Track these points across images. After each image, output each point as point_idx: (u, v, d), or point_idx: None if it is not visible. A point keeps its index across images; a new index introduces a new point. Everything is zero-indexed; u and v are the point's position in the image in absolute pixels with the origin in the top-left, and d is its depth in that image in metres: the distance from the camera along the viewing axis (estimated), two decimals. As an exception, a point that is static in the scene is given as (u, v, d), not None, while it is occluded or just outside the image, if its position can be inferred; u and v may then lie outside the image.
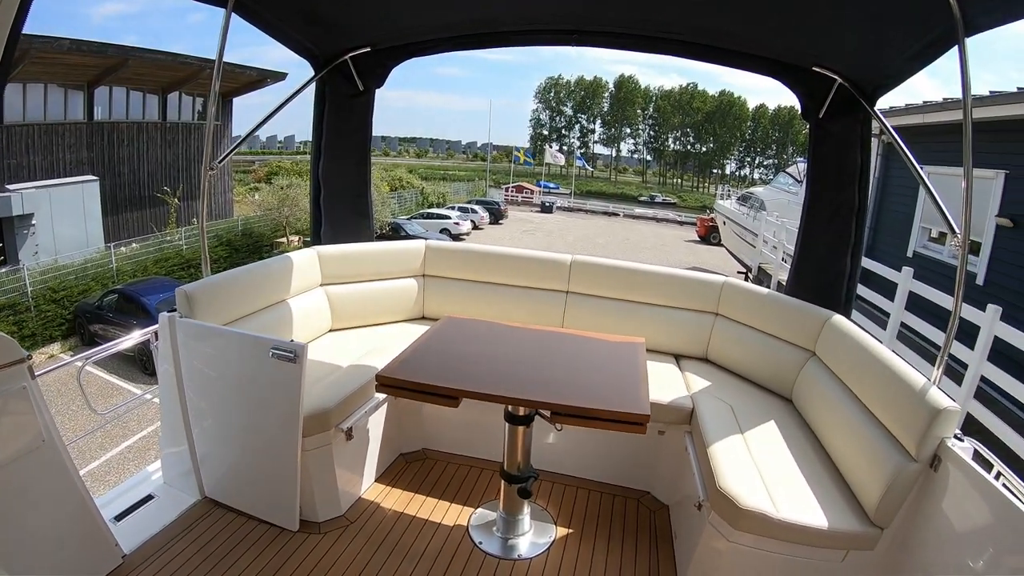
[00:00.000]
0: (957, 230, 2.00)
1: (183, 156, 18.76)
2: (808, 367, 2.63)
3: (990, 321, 4.57)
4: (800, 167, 12.21)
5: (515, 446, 2.23)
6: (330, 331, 3.11)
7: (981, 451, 1.79)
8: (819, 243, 2.85)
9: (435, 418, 2.92)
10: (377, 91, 3.27)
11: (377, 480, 2.72)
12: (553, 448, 2.78)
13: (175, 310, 2.34)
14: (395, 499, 2.59)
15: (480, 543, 2.35)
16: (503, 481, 2.31)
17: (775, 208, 11.09)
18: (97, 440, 7.89)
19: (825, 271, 2.83)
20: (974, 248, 7.07)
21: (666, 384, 2.69)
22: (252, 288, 2.66)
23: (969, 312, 4.74)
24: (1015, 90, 6.09)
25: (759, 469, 2.10)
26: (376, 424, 2.67)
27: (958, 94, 2.92)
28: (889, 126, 2.58)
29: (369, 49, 3.04)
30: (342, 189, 3.30)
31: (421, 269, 3.38)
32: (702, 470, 2.18)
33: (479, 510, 2.57)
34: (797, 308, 2.78)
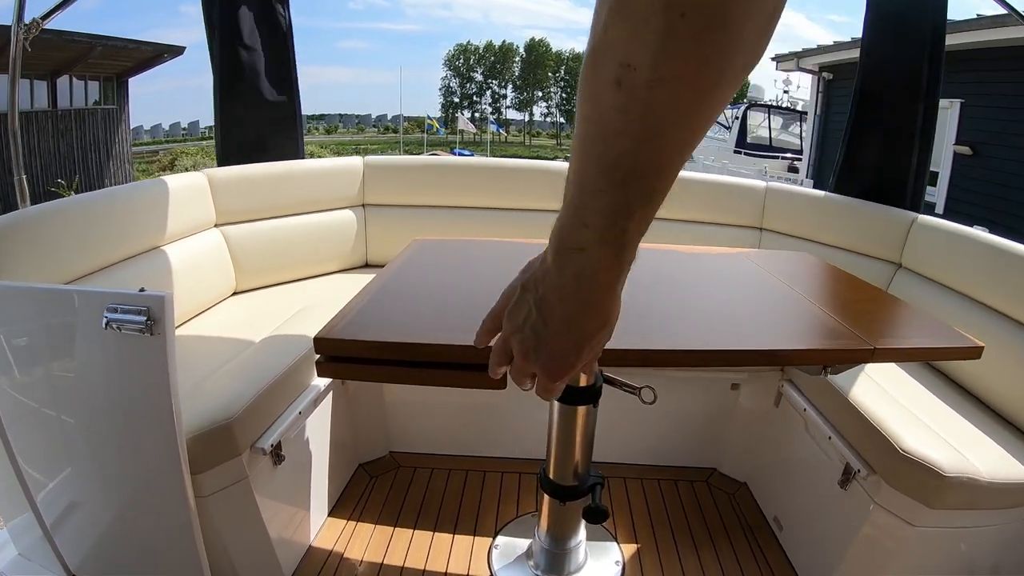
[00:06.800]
0: None
1: (78, 145, 16.15)
2: (898, 283, 1.92)
3: None
4: (727, 113, 12.03)
5: (570, 437, 1.26)
6: (234, 294, 1.97)
7: None
8: (874, 132, 2.11)
9: (404, 403, 1.90)
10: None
11: (332, 514, 1.67)
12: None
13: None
14: (364, 541, 1.57)
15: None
16: (546, 496, 1.37)
17: (707, 154, 10.83)
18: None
19: (883, 168, 2.09)
20: (930, 179, 6.97)
21: None
22: (99, 227, 1.50)
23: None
24: (974, 16, 5.90)
25: (920, 419, 1.36)
26: (319, 428, 1.61)
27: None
28: None
29: None
30: (257, 88, 2.10)
31: (360, 196, 2.26)
32: (842, 430, 1.42)
33: (501, 539, 1.61)
34: (866, 211, 2.05)
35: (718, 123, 12.30)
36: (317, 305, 1.71)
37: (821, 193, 2.25)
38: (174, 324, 0.96)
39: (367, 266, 2.29)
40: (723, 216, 2.33)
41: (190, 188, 1.83)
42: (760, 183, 2.38)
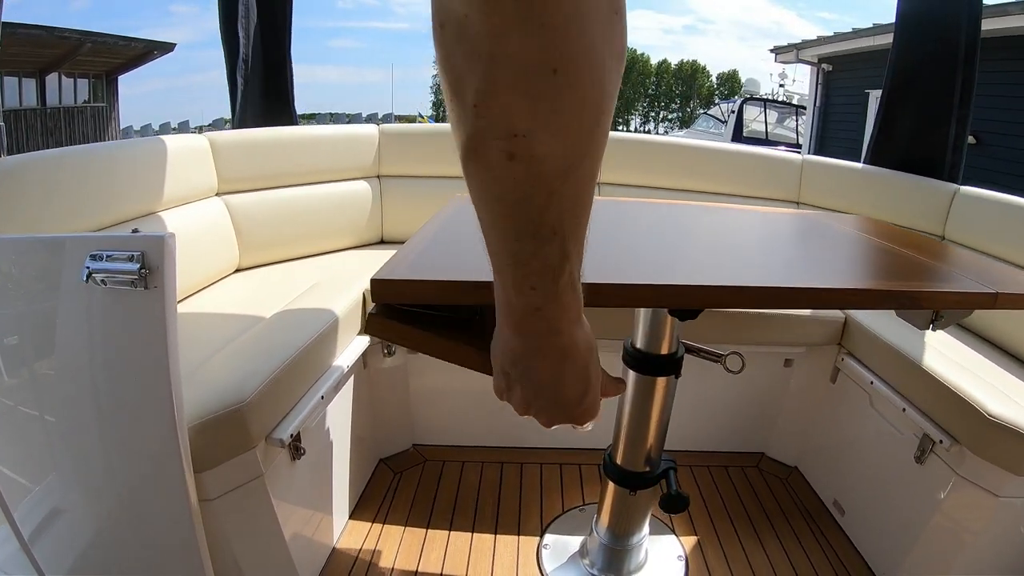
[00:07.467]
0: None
1: (67, 144, 15.79)
2: None
3: None
4: (723, 107, 11.92)
5: (645, 415, 1.06)
6: (236, 271, 1.74)
7: None
8: (911, 103, 1.99)
9: (430, 390, 1.69)
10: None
11: (353, 516, 1.46)
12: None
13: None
14: (394, 544, 1.36)
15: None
16: (611, 485, 1.17)
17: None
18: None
19: (919, 140, 1.97)
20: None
21: None
22: (85, 185, 1.29)
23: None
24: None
25: (992, 384, 1.26)
26: (339, 417, 1.39)
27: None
28: None
29: None
30: (256, 55, 1.96)
31: (375, 166, 2.05)
32: (917, 401, 1.29)
33: (550, 537, 1.40)
34: (907, 183, 1.93)
35: (714, 118, 12.21)
36: (330, 284, 1.50)
37: (859, 165, 2.12)
38: (175, 275, 0.75)
39: (383, 242, 2.08)
40: (758, 190, 2.17)
41: (190, 151, 1.61)
42: (796, 156, 2.23)
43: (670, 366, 1.01)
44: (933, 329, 1.07)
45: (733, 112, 10.62)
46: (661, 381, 1.02)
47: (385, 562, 1.32)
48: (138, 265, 0.73)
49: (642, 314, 1.00)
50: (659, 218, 1.21)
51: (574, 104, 0.31)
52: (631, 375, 1.03)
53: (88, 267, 0.75)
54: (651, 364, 1.01)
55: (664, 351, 1.00)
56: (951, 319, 1.08)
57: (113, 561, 1.06)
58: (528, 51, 0.28)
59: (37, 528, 1.11)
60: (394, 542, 1.38)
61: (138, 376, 0.83)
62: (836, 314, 1.61)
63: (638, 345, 1.01)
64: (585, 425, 0.48)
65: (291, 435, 1.08)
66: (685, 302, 0.76)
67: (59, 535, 1.11)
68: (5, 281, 0.87)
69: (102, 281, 0.76)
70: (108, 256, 0.75)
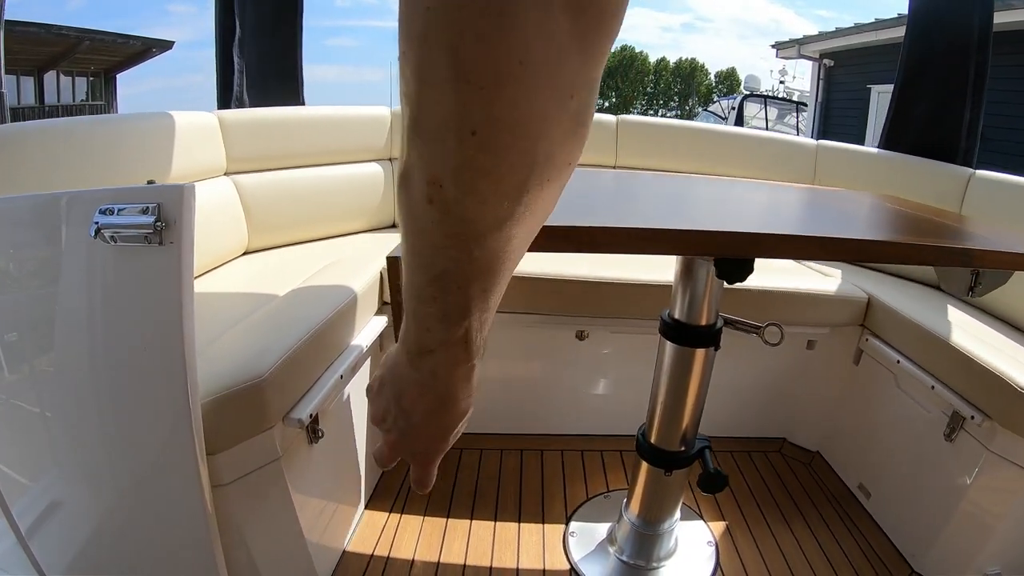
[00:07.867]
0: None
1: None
2: None
3: None
4: (723, 104, 11.94)
5: (682, 390, 1.01)
6: (245, 253, 1.68)
7: None
8: (925, 88, 1.99)
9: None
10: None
11: (369, 506, 1.39)
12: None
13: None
14: (413, 534, 1.30)
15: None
16: (645, 466, 1.12)
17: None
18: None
19: (934, 124, 1.97)
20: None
21: (791, 271, 1.64)
22: (91, 156, 1.23)
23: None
24: None
25: (1017, 359, 1.22)
26: (356, 400, 1.31)
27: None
28: None
29: None
30: (261, 34, 1.88)
31: (387, 148, 1.99)
32: (944, 378, 1.26)
33: (576, 525, 1.35)
34: (921, 167, 1.92)
35: (714, 114, 12.19)
36: (342, 265, 1.44)
37: (874, 150, 2.11)
38: (194, 230, 0.69)
39: (395, 227, 2.02)
40: (773, 174, 2.15)
41: (198, 128, 1.54)
42: (811, 140, 2.22)
43: (709, 337, 0.95)
44: (971, 296, 1.03)
45: (733, 108, 10.61)
46: (700, 353, 0.97)
47: (405, 553, 1.26)
48: (153, 218, 0.67)
49: (681, 284, 0.95)
50: (693, 187, 1.17)
51: (494, 169, 0.28)
52: (668, 348, 0.98)
53: (97, 222, 0.69)
54: (690, 335, 0.95)
55: (703, 322, 0.95)
56: (989, 285, 1.04)
57: (120, 545, 1.00)
58: (447, 105, 0.27)
59: (37, 519, 1.05)
60: (413, 533, 1.32)
61: (149, 343, 0.76)
62: (859, 294, 1.57)
63: (676, 316, 0.96)
64: (416, 480, 0.46)
65: (310, 415, 1.02)
66: (735, 250, 0.71)
67: (59, 524, 1.05)
68: (6, 240, 0.81)
69: (111, 238, 0.70)
70: (120, 210, 0.69)
